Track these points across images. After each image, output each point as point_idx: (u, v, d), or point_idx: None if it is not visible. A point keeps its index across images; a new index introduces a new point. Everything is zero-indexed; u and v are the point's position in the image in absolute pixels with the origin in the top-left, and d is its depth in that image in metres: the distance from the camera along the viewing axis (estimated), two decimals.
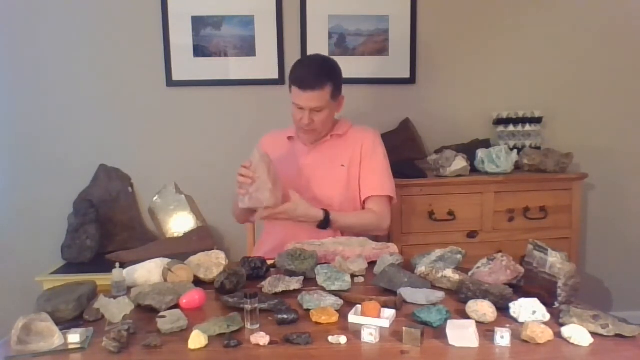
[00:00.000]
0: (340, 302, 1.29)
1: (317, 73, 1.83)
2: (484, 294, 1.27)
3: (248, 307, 1.18)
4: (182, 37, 2.62)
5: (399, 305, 1.27)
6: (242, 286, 1.42)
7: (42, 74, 2.61)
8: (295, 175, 1.92)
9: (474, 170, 2.49)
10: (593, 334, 1.10)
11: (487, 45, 2.77)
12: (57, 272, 2.43)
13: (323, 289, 1.40)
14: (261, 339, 1.11)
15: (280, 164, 1.87)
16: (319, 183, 1.92)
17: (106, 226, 2.62)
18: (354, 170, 1.94)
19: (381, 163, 1.97)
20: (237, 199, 1.79)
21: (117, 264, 1.47)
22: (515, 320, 1.19)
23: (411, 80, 2.75)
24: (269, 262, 1.62)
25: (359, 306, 1.24)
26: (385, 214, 1.93)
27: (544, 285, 1.28)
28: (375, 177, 1.93)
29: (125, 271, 1.47)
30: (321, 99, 1.82)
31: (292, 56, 2.63)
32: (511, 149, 2.53)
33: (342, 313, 1.24)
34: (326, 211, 1.82)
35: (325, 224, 1.82)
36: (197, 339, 1.10)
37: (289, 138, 2.00)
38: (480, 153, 2.50)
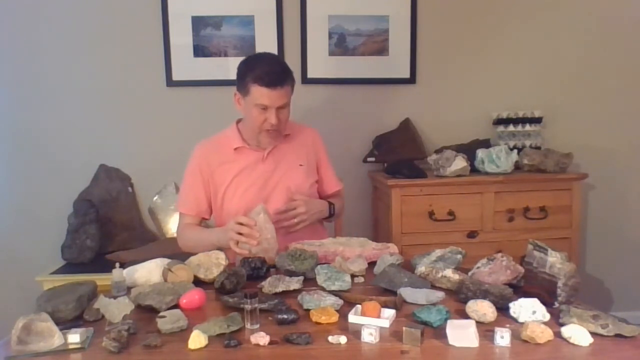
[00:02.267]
0: (340, 302, 1.29)
1: (282, 69, 1.77)
2: (484, 294, 1.27)
3: (248, 307, 1.18)
4: (182, 37, 2.62)
5: (399, 305, 1.27)
6: (242, 286, 1.42)
7: (42, 74, 2.61)
8: (260, 185, 1.85)
9: (474, 170, 2.49)
10: (593, 333, 1.10)
11: (487, 45, 2.77)
12: (57, 272, 2.43)
13: (323, 289, 1.40)
14: (261, 339, 1.11)
15: (238, 177, 1.83)
16: (285, 186, 1.87)
17: (106, 226, 2.62)
18: (311, 168, 1.95)
19: (328, 159, 2.05)
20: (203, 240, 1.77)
21: (117, 264, 1.46)
22: (515, 320, 1.19)
23: (411, 80, 2.75)
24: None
25: (359, 306, 1.24)
26: (343, 204, 2.11)
27: (544, 285, 1.28)
28: (331, 172, 2.04)
29: (125, 271, 1.47)
30: (287, 94, 1.77)
31: (292, 56, 2.63)
32: (511, 149, 2.53)
33: (342, 313, 1.24)
34: (328, 201, 1.91)
35: (332, 211, 1.90)
36: (197, 339, 1.10)
37: (236, 149, 1.86)
38: (480, 153, 2.50)
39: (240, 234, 1.60)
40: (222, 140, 1.91)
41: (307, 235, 1.80)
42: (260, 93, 1.72)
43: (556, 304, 1.25)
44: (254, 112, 1.77)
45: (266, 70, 1.72)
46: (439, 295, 1.32)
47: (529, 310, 1.19)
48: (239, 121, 1.94)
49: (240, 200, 1.83)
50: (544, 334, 1.09)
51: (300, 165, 1.91)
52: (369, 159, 2.65)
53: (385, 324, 1.18)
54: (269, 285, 1.40)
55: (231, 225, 1.62)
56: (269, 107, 1.74)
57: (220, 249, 1.63)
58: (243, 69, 1.78)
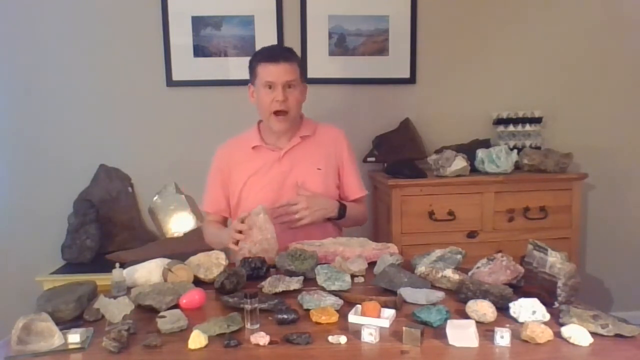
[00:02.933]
0: (340, 302, 1.29)
1: (286, 49, 1.88)
2: (484, 294, 1.26)
3: (248, 307, 1.18)
4: (182, 37, 2.62)
5: (399, 305, 1.27)
6: (242, 286, 1.42)
7: (42, 74, 2.61)
8: (273, 185, 1.84)
9: (474, 170, 2.49)
10: (593, 333, 1.10)
11: (487, 45, 2.77)
12: (57, 272, 2.43)
13: (323, 289, 1.40)
14: (261, 339, 1.11)
15: (254, 176, 1.84)
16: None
17: (106, 226, 2.62)
18: (330, 171, 1.90)
19: (355, 163, 1.99)
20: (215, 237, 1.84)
21: (117, 264, 1.47)
22: (515, 320, 1.19)
23: (411, 80, 2.75)
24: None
25: (359, 306, 1.24)
26: (367, 210, 2.07)
27: (544, 285, 1.28)
28: (355, 178, 1.97)
29: (125, 271, 1.47)
30: (294, 72, 1.79)
31: None
32: (511, 149, 2.53)
33: (342, 313, 1.23)
34: (339, 201, 1.86)
35: (342, 212, 1.84)
36: (197, 339, 1.10)
37: (254, 148, 1.89)
38: (480, 153, 2.50)
39: (240, 232, 1.64)
40: (242, 140, 1.94)
41: (317, 235, 1.78)
42: (264, 70, 1.78)
43: (556, 304, 1.24)
44: (262, 94, 1.79)
45: (269, 48, 1.87)
46: (439, 295, 1.32)
47: (529, 310, 1.19)
48: (260, 122, 1.95)
49: (255, 200, 1.82)
50: (544, 334, 1.09)
51: (318, 169, 1.88)
52: (369, 159, 2.65)
53: (385, 324, 1.18)
54: (269, 285, 1.40)
55: (232, 225, 1.68)
56: (275, 83, 1.76)
57: (225, 250, 1.64)
58: (252, 59, 1.87)
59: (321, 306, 1.25)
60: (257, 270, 1.54)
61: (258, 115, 2.61)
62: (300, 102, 1.86)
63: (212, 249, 1.63)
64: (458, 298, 1.32)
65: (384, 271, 1.44)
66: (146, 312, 1.28)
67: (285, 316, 1.20)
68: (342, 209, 1.86)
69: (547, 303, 1.24)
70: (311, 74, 2.69)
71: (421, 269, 1.45)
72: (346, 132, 2.77)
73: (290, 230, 1.79)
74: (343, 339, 1.11)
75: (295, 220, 1.77)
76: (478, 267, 1.42)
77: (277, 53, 1.81)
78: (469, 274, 1.42)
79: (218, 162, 1.94)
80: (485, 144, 2.66)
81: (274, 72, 1.76)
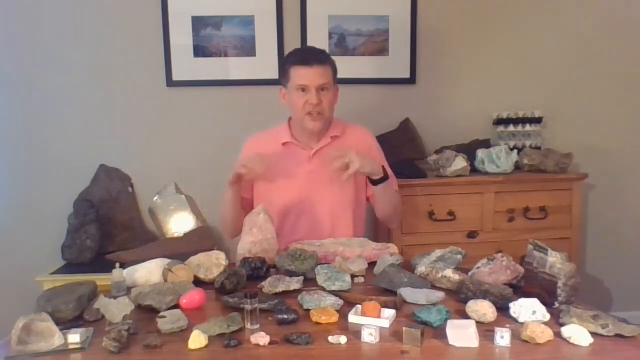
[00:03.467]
0: (340, 302, 1.29)
1: (319, 51, 1.86)
2: (484, 294, 1.27)
3: (248, 307, 1.18)
4: (182, 37, 2.62)
5: (399, 305, 1.27)
6: (242, 286, 1.42)
7: (42, 74, 2.61)
8: (301, 183, 1.86)
9: (474, 170, 2.49)
10: (593, 333, 1.10)
11: (487, 45, 2.77)
12: (57, 272, 2.43)
13: (323, 289, 1.40)
14: (261, 339, 1.11)
15: (282, 172, 1.84)
16: (327, 189, 1.86)
17: (106, 226, 2.62)
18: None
19: (384, 160, 1.97)
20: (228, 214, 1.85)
21: (117, 264, 1.47)
22: (515, 320, 1.19)
23: (411, 80, 2.75)
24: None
25: (359, 306, 1.24)
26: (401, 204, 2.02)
27: (544, 285, 1.28)
28: (389, 174, 1.92)
29: (125, 271, 1.47)
30: (327, 75, 1.81)
31: None
32: (511, 149, 2.53)
33: (342, 313, 1.24)
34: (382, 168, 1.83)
35: (383, 179, 1.81)
36: (197, 339, 1.10)
37: (284, 144, 1.90)
38: (480, 153, 2.50)
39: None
40: (273, 134, 1.94)
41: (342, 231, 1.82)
42: (297, 73, 1.78)
43: (556, 304, 1.25)
44: (295, 97, 1.80)
45: (302, 51, 1.91)
46: (439, 295, 1.32)
47: (529, 310, 1.19)
48: (291, 119, 1.95)
49: (283, 195, 1.84)
50: (544, 334, 1.09)
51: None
52: None
53: (385, 324, 1.18)
54: (269, 285, 1.40)
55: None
56: (308, 86, 1.77)
57: (220, 249, 1.64)
58: (284, 61, 1.90)
59: (321, 306, 1.25)
60: (257, 270, 1.54)
61: (258, 116, 2.62)
62: (333, 104, 1.88)
63: (212, 249, 1.63)
64: (458, 298, 1.32)
65: (384, 271, 1.44)
66: (146, 312, 1.28)
67: (285, 316, 1.21)
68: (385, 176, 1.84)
69: (547, 303, 1.24)
70: None
71: (421, 269, 1.45)
72: None
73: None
74: (343, 339, 1.12)
75: (345, 167, 1.71)
76: (478, 267, 1.43)
77: (311, 56, 1.81)
78: (469, 274, 1.42)
79: (248, 150, 1.93)
80: (485, 144, 2.66)
81: (308, 76, 1.77)
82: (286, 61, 1.86)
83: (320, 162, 1.87)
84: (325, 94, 1.81)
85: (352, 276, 1.50)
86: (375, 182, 1.83)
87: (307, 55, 1.82)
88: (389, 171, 1.95)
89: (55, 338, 1.12)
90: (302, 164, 1.88)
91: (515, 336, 1.10)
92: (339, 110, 2.72)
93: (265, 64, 2.65)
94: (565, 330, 1.11)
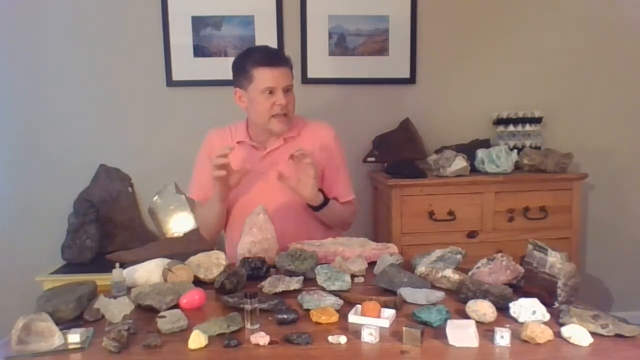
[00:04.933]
0: (340, 302, 1.29)
1: (280, 51, 1.81)
2: (484, 294, 1.26)
3: (248, 307, 1.18)
4: (182, 37, 2.62)
5: (399, 305, 1.27)
6: (242, 286, 1.42)
7: (42, 74, 2.61)
8: (252, 183, 1.79)
9: (474, 170, 2.49)
10: (593, 333, 1.10)
11: (487, 45, 2.77)
12: (57, 272, 2.43)
13: (323, 289, 1.40)
14: (261, 339, 1.11)
15: (234, 171, 1.77)
16: (276, 191, 1.78)
17: (106, 226, 2.62)
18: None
19: (343, 164, 1.91)
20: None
21: (117, 264, 1.46)
22: (515, 320, 1.19)
23: (411, 80, 2.75)
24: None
25: (359, 306, 1.24)
26: (355, 213, 1.96)
27: (544, 285, 1.28)
28: (341, 181, 1.89)
29: (125, 271, 1.47)
30: (290, 76, 1.78)
31: (292, 56, 2.60)
32: (511, 149, 2.53)
33: (342, 313, 1.23)
34: (323, 193, 1.78)
35: (321, 206, 1.76)
36: (197, 339, 1.10)
37: (239, 143, 1.85)
38: (480, 153, 2.50)
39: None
40: (231, 131, 1.90)
41: (318, 235, 1.77)
42: (264, 75, 1.72)
43: (556, 304, 1.24)
44: (261, 100, 1.74)
45: (265, 52, 1.77)
46: (439, 295, 1.32)
47: (529, 310, 1.19)
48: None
49: (234, 195, 1.80)
50: (544, 334, 1.09)
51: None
52: (369, 159, 2.65)
53: (385, 324, 1.18)
54: (269, 285, 1.40)
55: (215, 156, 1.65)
56: (275, 88, 1.73)
57: (220, 249, 1.63)
58: (240, 62, 1.79)
59: (321, 306, 1.25)
60: (257, 270, 1.54)
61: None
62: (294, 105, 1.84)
63: (212, 249, 1.63)
64: (458, 298, 1.32)
65: (384, 271, 1.44)
66: (146, 312, 1.28)
67: (285, 316, 1.20)
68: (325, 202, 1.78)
69: (547, 303, 1.23)
70: (311, 73, 2.69)
71: (421, 269, 1.45)
72: (346, 132, 2.76)
73: (290, 230, 1.78)
74: (343, 339, 1.11)
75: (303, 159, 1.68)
76: (478, 267, 1.42)
77: (276, 57, 1.77)
78: (469, 274, 1.42)
79: (206, 147, 1.88)
80: (485, 144, 2.66)
81: (274, 78, 1.72)
82: (246, 62, 1.76)
83: (272, 162, 1.82)
84: (289, 95, 1.77)
85: (352, 276, 1.50)
86: (315, 208, 1.77)
87: (272, 56, 1.76)
88: (345, 177, 1.90)
89: (55, 338, 1.12)
90: (255, 164, 1.81)
91: (515, 336, 1.10)
92: (339, 110, 2.75)
93: None
94: (565, 330, 1.10)
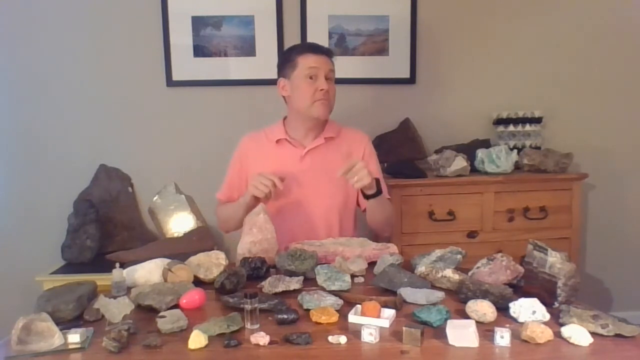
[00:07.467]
0: (340, 302, 1.29)
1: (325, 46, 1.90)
2: (484, 294, 1.26)
3: (248, 307, 1.18)
4: (182, 37, 2.62)
5: (399, 305, 1.27)
6: (242, 286, 1.42)
7: (42, 74, 2.61)
8: (291, 182, 1.82)
9: (474, 170, 2.49)
10: (593, 333, 1.10)
11: (487, 45, 2.77)
12: (57, 272, 2.43)
13: (323, 289, 1.40)
14: (261, 339, 1.11)
15: (275, 171, 1.81)
16: (318, 190, 1.85)
17: (106, 226, 2.62)
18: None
19: (378, 167, 1.98)
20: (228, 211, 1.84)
21: (117, 264, 1.47)
22: (515, 320, 1.19)
23: (411, 80, 2.75)
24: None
25: (359, 306, 1.24)
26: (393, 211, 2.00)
27: (544, 285, 1.28)
28: (379, 182, 1.90)
29: (125, 271, 1.47)
30: (331, 64, 1.84)
31: None
32: (511, 149, 2.54)
33: (342, 313, 1.24)
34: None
35: (376, 193, 1.77)
36: (197, 339, 1.10)
37: (278, 141, 1.90)
38: (480, 153, 2.50)
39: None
40: (266, 133, 1.94)
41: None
42: (307, 60, 1.80)
43: (556, 304, 1.24)
44: (303, 85, 1.81)
45: (310, 43, 1.92)
46: (439, 295, 1.32)
47: (529, 310, 1.19)
48: (285, 118, 1.96)
49: (276, 196, 1.81)
50: (544, 334, 1.09)
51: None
52: None
53: (385, 324, 1.18)
54: (269, 285, 1.40)
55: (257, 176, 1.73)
56: (318, 73, 1.80)
57: (220, 249, 1.64)
58: (287, 52, 1.91)
59: (321, 306, 1.25)
60: (257, 270, 1.54)
61: (258, 116, 2.61)
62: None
63: (212, 249, 1.63)
64: (458, 298, 1.32)
65: (384, 271, 1.44)
66: (146, 312, 1.28)
67: (285, 316, 1.20)
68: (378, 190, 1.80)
69: (547, 303, 1.24)
70: None
71: (421, 269, 1.45)
72: None
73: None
74: (343, 339, 1.11)
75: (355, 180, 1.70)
76: (478, 267, 1.42)
77: (319, 46, 1.85)
78: (469, 274, 1.42)
79: (239, 152, 1.96)
80: (485, 144, 2.66)
81: (317, 62, 1.80)
82: (292, 52, 1.87)
83: (312, 161, 1.87)
84: (330, 84, 1.83)
85: (352, 276, 1.50)
86: (368, 197, 1.79)
87: (316, 45, 1.86)
88: (382, 180, 1.92)
89: (55, 338, 1.12)
90: (294, 163, 1.87)
91: (515, 336, 1.10)
92: (339, 110, 2.74)
93: (265, 64, 2.64)
94: (565, 330, 1.11)
